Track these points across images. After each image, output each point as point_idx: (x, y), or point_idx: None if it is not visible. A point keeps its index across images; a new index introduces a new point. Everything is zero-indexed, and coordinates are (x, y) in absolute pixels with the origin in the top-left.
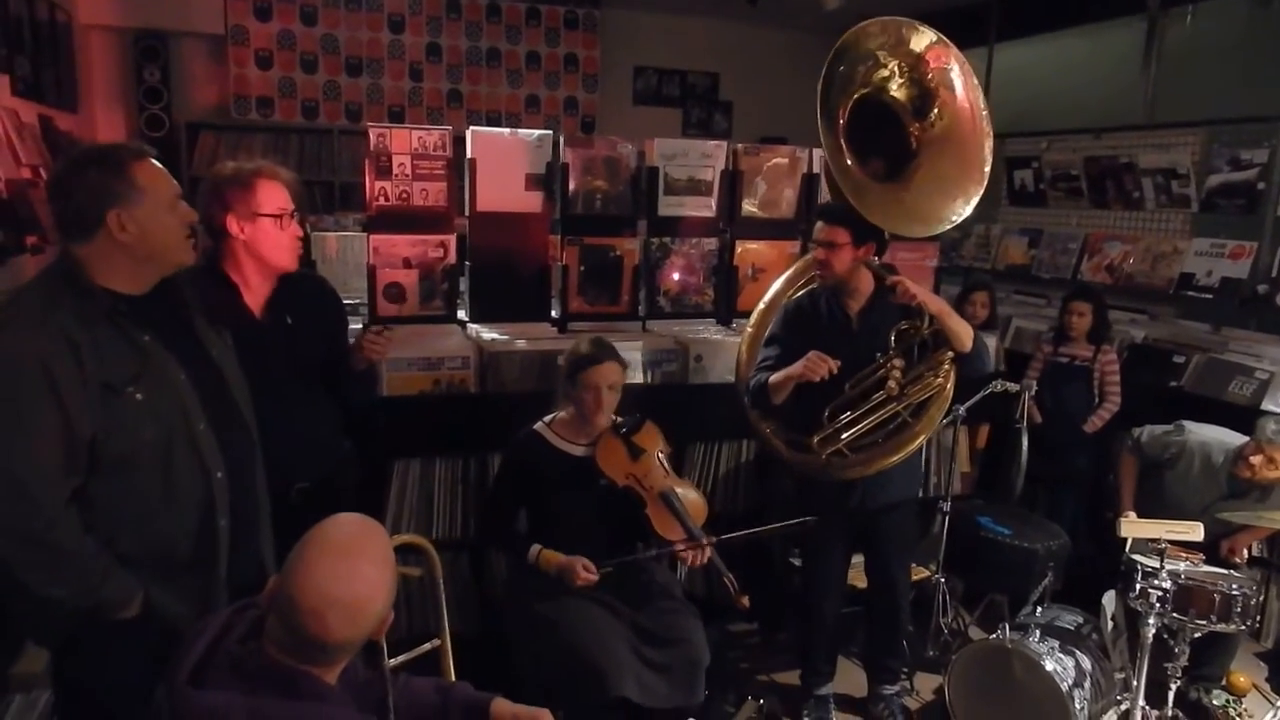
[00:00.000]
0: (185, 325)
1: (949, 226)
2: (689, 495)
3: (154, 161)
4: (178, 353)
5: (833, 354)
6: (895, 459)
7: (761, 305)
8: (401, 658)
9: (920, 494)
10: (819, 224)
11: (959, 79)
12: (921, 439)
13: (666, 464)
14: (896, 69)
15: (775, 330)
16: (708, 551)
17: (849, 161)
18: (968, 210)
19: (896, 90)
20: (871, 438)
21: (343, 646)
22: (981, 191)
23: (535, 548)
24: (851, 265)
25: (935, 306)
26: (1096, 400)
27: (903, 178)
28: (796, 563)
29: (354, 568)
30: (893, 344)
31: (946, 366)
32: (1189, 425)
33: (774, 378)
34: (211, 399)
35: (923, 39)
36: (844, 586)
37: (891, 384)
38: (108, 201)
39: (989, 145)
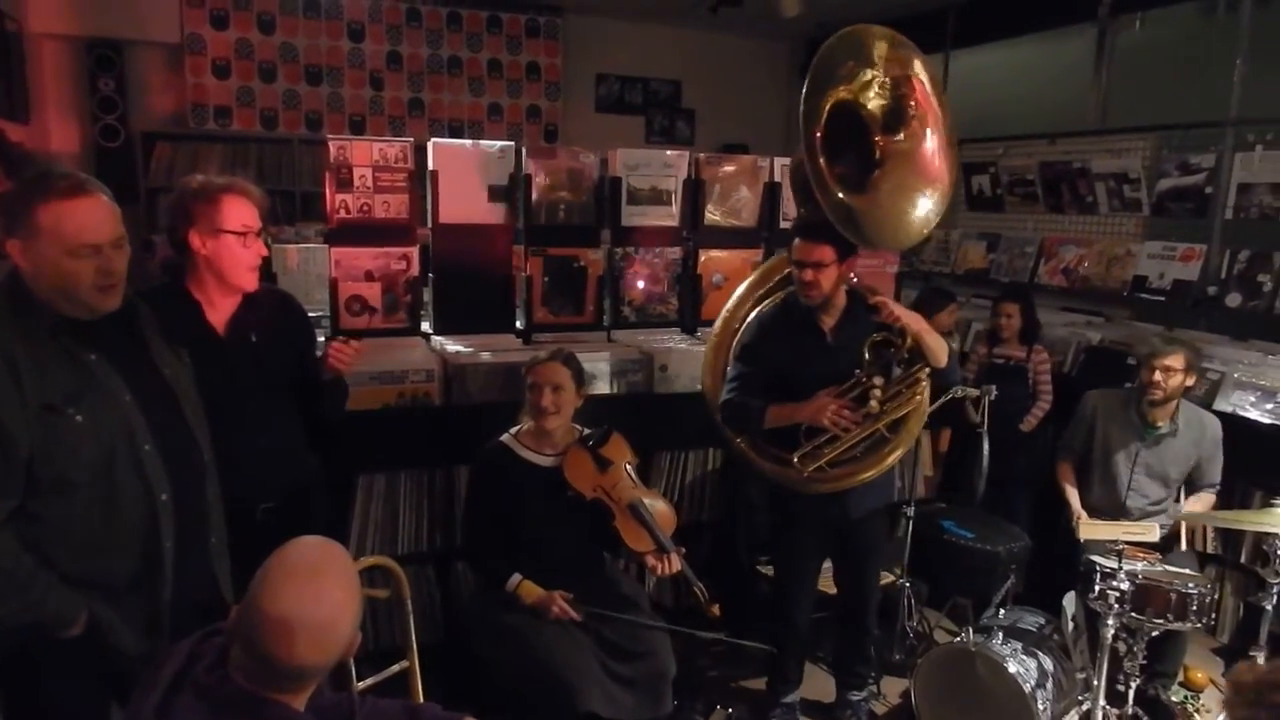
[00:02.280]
0: (138, 344)
1: (915, 241)
2: (657, 505)
3: (86, 201)
4: (125, 372)
5: (809, 367)
6: (873, 473)
7: (725, 314)
8: (370, 680)
9: (892, 499)
10: (800, 243)
11: (934, 130)
12: (899, 453)
13: (634, 475)
14: (879, 82)
15: (749, 344)
16: (676, 561)
17: (824, 168)
18: (928, 227)
19: (873, 101)
20: (850, 453)
21: (310, 671)
22: (938, 211)
23: (515, 577)
24: (837, 282)
25: (916, 326)
26: (1031, 400)
27: (866, 188)
28: (764, 570)
29: (319, 590)
30: (867, 359)
31: (924, 382)
32: (1089, 393)
33: (776, 411)
34: (160, 419)
35: (922, 72)
36: (815, 594)
37: (874, 403)
38: (9, 229)
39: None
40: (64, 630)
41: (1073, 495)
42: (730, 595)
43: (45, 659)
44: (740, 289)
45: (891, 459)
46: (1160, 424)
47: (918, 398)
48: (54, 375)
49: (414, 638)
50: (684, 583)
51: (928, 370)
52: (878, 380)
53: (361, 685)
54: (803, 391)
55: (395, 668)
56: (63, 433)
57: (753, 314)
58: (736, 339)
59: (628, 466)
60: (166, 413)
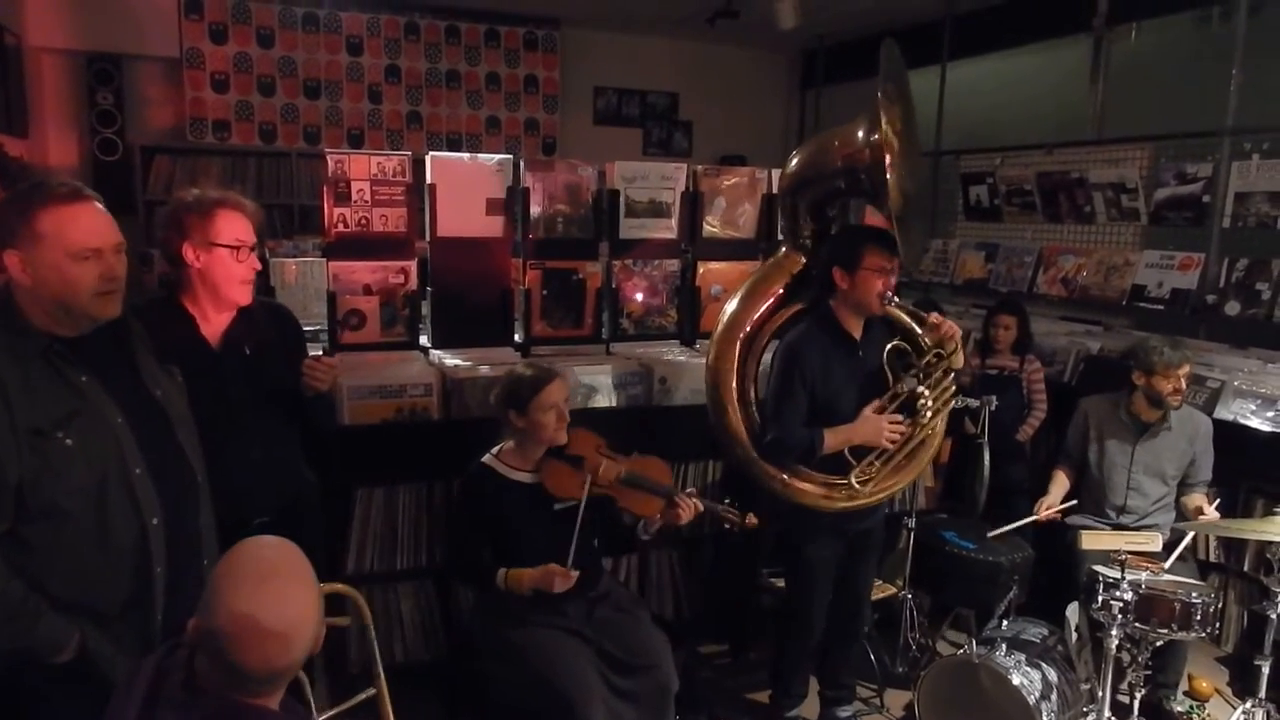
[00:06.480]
0: (129, 364)
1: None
2: (645, 463)
3: (86, 206)
4: (116, 394)
5: (848, 380)
6: (917, 474)
7: (722, 331)
8: (339, 708)
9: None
10: (884, 252)
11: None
12: (933, 452)
13: (610, 452)
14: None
15: (790, 371)
16: (695, 500)
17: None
18: None
19: None
20: (896, 462)
21: (281, 673)
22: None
23: (501, 571)
24: None
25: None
26: (1027, 410)
27: None
28: (769, 582)
29: (280, 591)
30: (890, 368)
31: (953, 382)
32: (1082, 400)
33: (832, 438)
34: (151, 442)
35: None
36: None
37: (928, 413)
38: (6, 241)
39: None
40: (54, 656)
41: (1056, 487)
42: (730, 607)
43: (34, 685)
44: (733, 308)
45: (929, 457)
46: (1154, 422)
47: (952, 401)
48: (44, 398)
49: (379, 663)
50: (712, 514)
51: (952, 372)
52: (924, 390)
53: (331, 713)
54: (840, 407)
55: (363, 695)
56: (52, 457)
57: (772, 341)
58: (773, 370)
59: (601, 450)
60: (158, 435)
